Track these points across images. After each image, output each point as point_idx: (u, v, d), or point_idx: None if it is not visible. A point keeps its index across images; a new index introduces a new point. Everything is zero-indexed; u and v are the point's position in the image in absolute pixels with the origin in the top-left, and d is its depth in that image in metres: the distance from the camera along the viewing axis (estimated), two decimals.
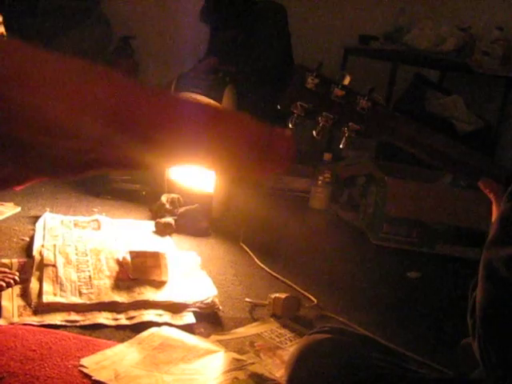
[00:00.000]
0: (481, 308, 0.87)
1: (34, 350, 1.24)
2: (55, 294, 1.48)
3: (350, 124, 1.04)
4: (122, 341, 1.35)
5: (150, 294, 1.56)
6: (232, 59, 2.88)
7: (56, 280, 1.55)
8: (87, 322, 1.41)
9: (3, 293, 1.47)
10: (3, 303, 1.42)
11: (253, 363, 1.33)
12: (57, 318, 1.40)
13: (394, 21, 3.52)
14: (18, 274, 1.57)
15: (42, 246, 1.74)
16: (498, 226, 0.89)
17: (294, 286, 1.83)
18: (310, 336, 1.19)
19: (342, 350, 1.09)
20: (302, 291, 1.80)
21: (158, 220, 2.15)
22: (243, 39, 2.88)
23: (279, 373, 1.31)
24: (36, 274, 1.57)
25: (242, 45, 2.88)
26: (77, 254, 1.73)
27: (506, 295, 0.85)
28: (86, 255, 1.73)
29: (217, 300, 1.58)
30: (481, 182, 1.04)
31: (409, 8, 3.57)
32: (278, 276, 1.89)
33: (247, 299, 1.68)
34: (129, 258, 1.67)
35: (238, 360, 1.32)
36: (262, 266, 1.96)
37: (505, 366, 0.85)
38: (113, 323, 1.43)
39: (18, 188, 0.18)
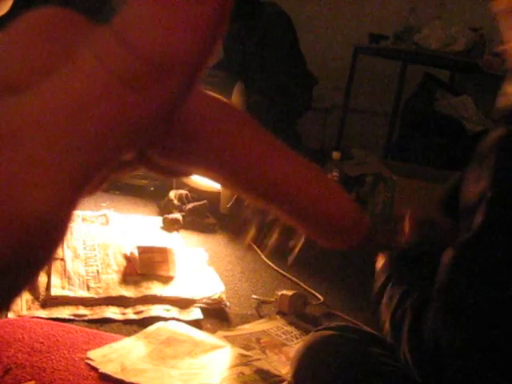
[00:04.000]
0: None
1: (42, 343, 1.25)
2: (63, 288, 1.49)
3: None
4: (129, 335, 1.36)
5: (157, 289, 1.57)
6: (237, 53, 2.88)
7: (64, 274, 1.56)
8: (95, 316, 1.42)
9: None
10: None
11: (258, 359, 1.33)
12: (65, 312, 1.41)
13: (404, 20, 3.50)
14: None
15: None
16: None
17: (301, 284, 1.83)
18: (316, 333, 1.19)
19: (347, 347, 1.09)
20: (309, 289, 1.81)
21: (165, 216, 2.16)
22: (254, 52, 2.87)
23: (285, 369, 1.31)
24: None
25: (253, 58, 2.88)
26: (85, 249, 1.73)
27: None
28: (94, 250, 1.74)
29: (224, 296, 1.59)
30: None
31: (419, 7, 3.56)
32: (285, 273, 1.89)
33: (254, 296, 1.69)
34: (136, 253, 1.68)
35: (243, 356, 1.32)
36: (268, 263, 1.96)
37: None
38: (120, 317, 1.44)
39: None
